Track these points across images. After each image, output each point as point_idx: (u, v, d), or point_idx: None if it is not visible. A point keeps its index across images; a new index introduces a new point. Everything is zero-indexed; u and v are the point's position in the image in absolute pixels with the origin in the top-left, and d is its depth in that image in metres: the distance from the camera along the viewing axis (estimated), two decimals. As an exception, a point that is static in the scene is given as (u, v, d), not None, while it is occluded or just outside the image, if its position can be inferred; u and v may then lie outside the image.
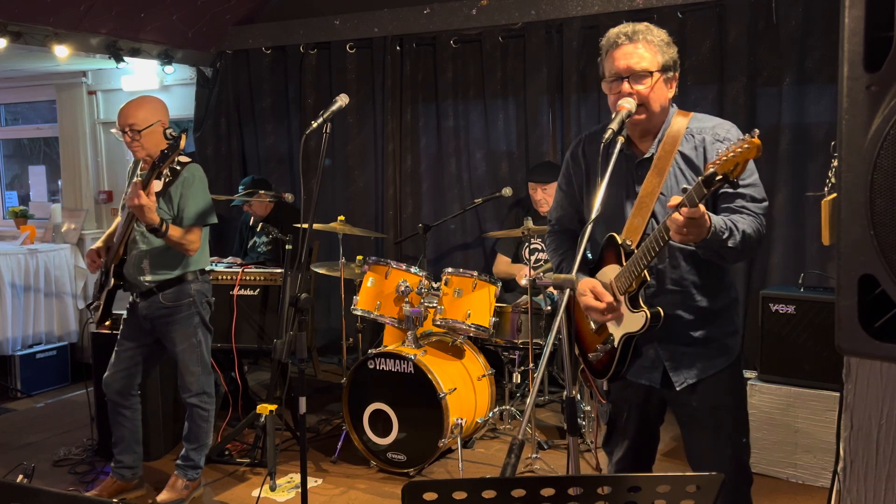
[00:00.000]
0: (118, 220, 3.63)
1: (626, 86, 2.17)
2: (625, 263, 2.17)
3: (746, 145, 1.82)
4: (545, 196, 4.68)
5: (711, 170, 1.87)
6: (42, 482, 3.84)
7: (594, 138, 2.36)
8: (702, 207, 1.93)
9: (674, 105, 2.29)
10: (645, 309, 2.15)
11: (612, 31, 2.24)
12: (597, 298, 2.20)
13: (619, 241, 2.21)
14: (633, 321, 2.17)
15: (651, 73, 2.17)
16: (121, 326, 3.68)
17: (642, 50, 2.18)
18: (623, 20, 4.64)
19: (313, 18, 5.66)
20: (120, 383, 3.62)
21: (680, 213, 1.92)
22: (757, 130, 1.83)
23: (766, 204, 2.18)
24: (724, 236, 2.03)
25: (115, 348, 3.66)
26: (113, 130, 3.52)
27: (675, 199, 1.94)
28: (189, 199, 3.45)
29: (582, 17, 4.88)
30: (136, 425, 3.73)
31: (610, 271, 2.24)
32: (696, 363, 2.25)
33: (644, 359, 2.28)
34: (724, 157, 1.85)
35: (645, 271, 2.11)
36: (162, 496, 3.62)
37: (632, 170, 2.27)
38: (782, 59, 4.42)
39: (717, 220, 2.04)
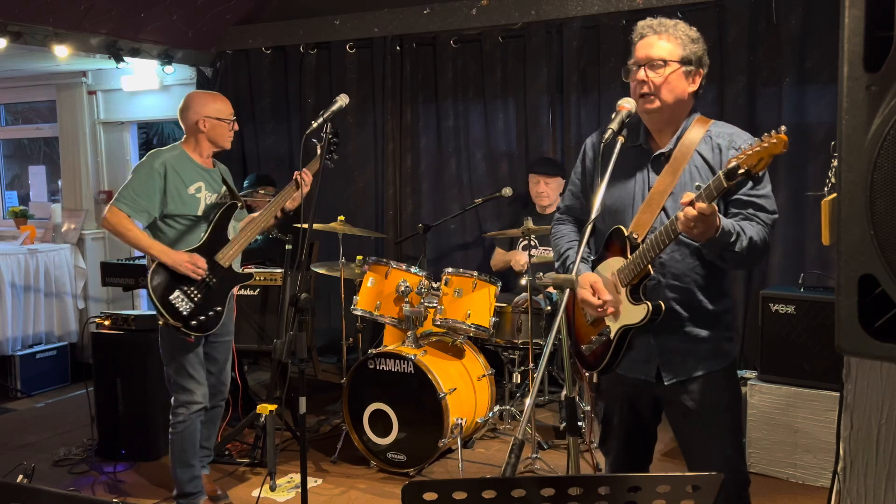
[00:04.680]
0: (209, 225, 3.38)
1: (641, 72, 2.21)
2: (630, 256, 2.18)
3: (774, 140, 1.84)
4: (547, 189, 4.70)
5: (734, 163, 1.89)
6: (42, 482, 3.85)
7: None
8: (713, 206, 1.96)
9: (697, 111, 2.30)
10: (647, 301, 2.16)
11: (641, 24, 2.29)
12: (595, 295, 2.21)
13: (626, 234, 2.21)
14: (634, 313, 2.17)
15: (666, 62, 2.20)
16: (206, 341, 3.45)
17: (664, 42, 2.22)
18: (623, 20, 4.73)
19: (313, 18, 5.66)
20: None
21: (693, 208, 1.95)
22: (784, 127, 1.85)
23: (776, 217, 2.20)
24: (732, 239, 2.07)
25: (203, 367, 3.44)
26: (222, 117, 3.44)
27: (689, 196, 1.97)
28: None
29: (582, 17, 4.88)
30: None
31: (613, 263, 2.24)
32: (689, 360, 2.25)
33: (638, 352, 2.27)
34: (750, 152, 1.87)
35: (649, 265, 2.13)
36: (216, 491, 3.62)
37: (647, 164, 2.28)
38: (782, 59, 4.42)
39: (727, 222, 2.07)
